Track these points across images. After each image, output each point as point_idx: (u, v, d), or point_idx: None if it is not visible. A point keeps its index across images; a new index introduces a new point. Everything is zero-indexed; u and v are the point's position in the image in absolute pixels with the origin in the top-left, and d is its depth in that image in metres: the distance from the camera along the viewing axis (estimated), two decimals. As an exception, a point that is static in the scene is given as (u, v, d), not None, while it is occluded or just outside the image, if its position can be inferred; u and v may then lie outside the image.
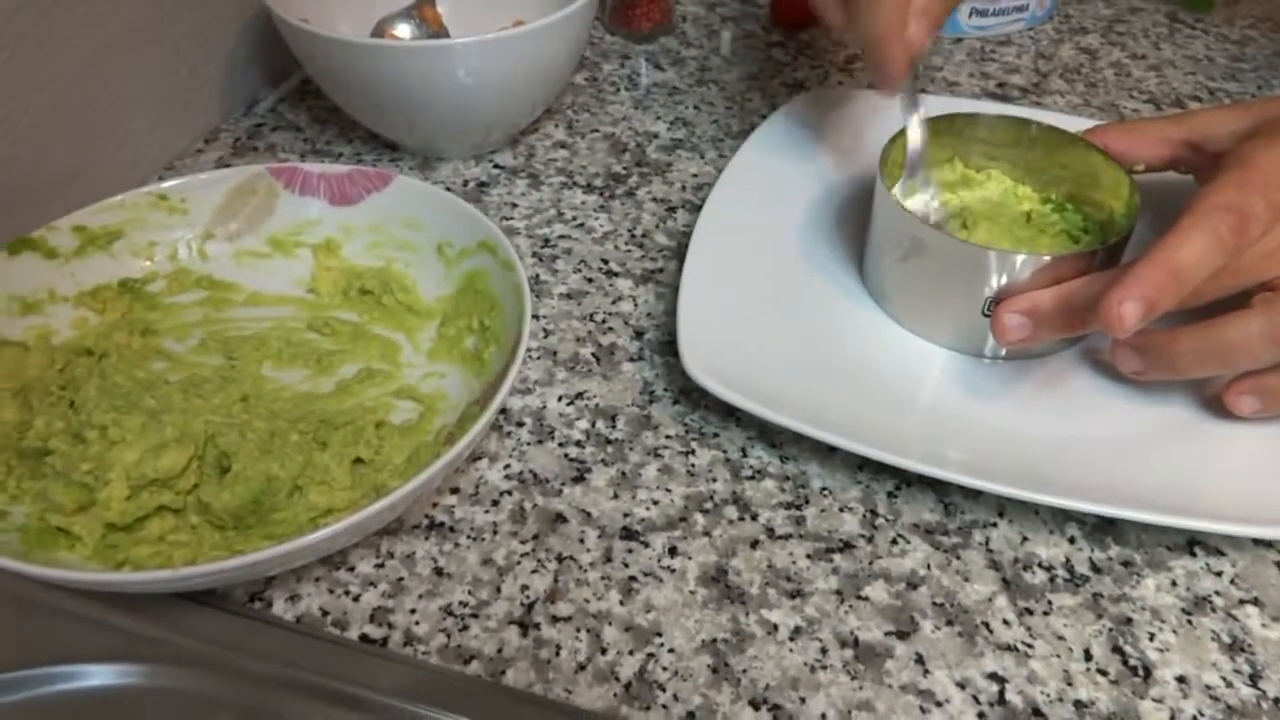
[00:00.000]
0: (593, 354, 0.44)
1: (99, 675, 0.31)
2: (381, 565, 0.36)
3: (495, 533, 0.37)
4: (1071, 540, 0.37)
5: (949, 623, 0.34)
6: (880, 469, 0.39)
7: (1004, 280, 0.39)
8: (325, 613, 0.34)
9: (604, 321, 0.46)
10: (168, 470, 0.34)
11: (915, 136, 0.44)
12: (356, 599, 0.35)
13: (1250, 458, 0.38)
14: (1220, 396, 0.39)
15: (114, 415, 0.34)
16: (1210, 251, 0.34)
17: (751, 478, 0.39)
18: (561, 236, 0.51)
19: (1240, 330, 0.35)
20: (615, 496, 0.38)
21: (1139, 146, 0.42)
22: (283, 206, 0.45)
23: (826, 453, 0.40)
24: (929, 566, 0.36)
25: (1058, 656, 0.33)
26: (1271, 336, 0.35)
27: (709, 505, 0.38)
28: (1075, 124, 0.46)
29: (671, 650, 0.33)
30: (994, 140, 0.46)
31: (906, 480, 0.39)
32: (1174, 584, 0.36)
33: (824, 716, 0.32)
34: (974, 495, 0.38)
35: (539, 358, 0.44)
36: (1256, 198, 0.34)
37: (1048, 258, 0.38)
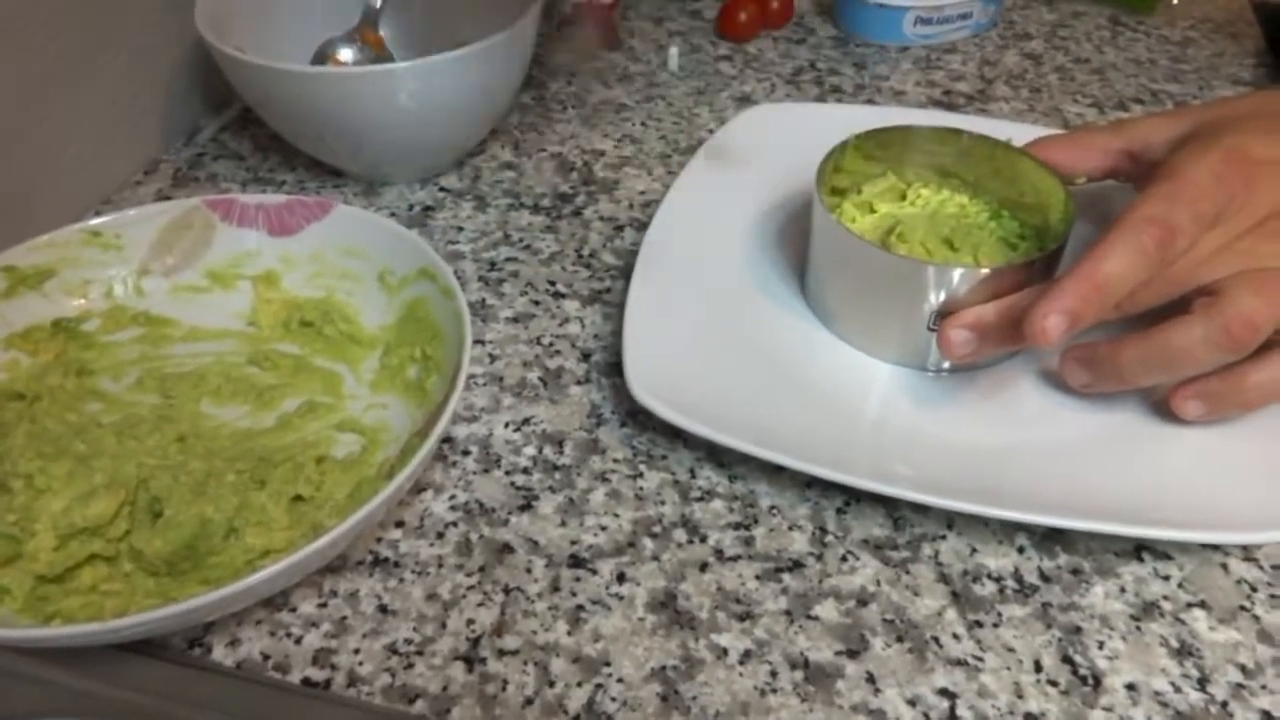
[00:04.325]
0: (539, 378, 0.44)
1: (29, 733, 0.30)
2: (324, 605, 0.35)
3: (441, 566, 0.36)
4: (1020, 550, 0.37)
5: (899, 639, 0.34)
6: (829, 485, 0.39)
7: (943, 293, 0.39)
8: (266, 657, 0.33)
9: (551, 345, 0.46)
10: (97, 518, 0.33)
11: None
12: (299, 641, 0.34)
13: (1196, 462, 0.38)
14: (1165, 402, 0.39)
15: (40, 463, 0.34)
16: (1134, 265, 0.34)
17: (700, 499, 0.39)
18: (508, 259, 0.51)
19: (1183, 336, 0.36)
20: (563, 524, 0.38)
21: (1080, 158, 0.43)
22: (220, 239, 0.44)
23: (775, 471, 0.39)
24: (879, 582, 0.36)
25: (1008, 669, 0.33)
26: (1213, 340, 0.35)
27: (657, 529, 0.38)
28: (1020, 130, 0.46)
29: (620, 680, 0.33)
30: (927, 151, 0.46)
31: (855, 496, 0.39)
32: (1122, 590, 0.36)
33: (774, 741, 0.31)
34: (923, 508, 0.38)
35: (485, 384, 0.44)
36: (1182, 210, 0.34)
37: (986, 270, 0.38)
